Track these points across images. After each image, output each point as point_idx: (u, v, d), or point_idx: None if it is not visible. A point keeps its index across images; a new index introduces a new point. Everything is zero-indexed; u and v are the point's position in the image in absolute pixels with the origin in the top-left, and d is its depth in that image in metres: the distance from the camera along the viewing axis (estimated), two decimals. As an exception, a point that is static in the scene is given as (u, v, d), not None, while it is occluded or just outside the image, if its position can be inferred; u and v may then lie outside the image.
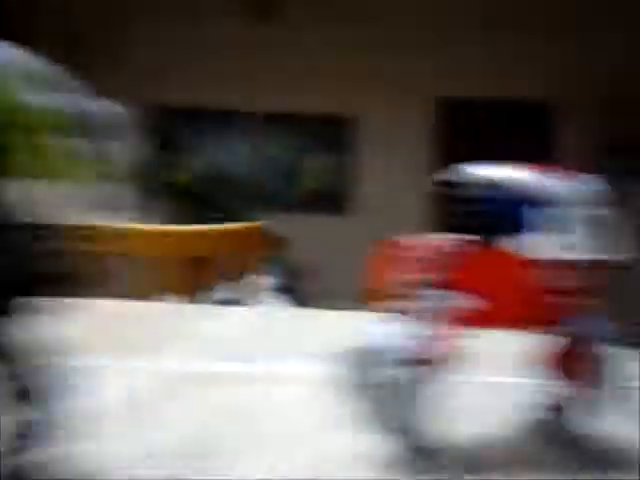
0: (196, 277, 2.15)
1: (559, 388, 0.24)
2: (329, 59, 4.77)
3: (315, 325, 0.72)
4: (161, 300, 1.92)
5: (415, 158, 4.33)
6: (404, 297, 0.25)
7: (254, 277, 2.24)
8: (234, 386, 0.40)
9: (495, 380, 0.43)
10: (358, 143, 4.78)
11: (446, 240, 0.25)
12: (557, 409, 0.24)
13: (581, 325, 0.23)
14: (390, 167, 4.39)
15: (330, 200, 4.72)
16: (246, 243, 1.40)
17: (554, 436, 0.24)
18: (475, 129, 4.74)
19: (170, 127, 4.80)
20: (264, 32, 4.61)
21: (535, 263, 0.19)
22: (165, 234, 1.35)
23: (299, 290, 2.62)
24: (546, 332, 0.24)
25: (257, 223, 1.42)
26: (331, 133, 4.74)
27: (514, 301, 0.22)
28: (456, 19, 4.62)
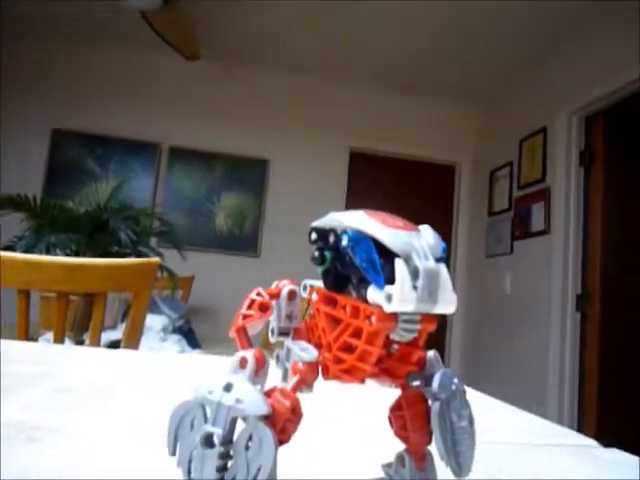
0: (84, 315, 1.99)
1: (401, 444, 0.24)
2: (251, 103, 4.85)
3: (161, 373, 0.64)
4: (33, 340, 1.73)
5: (329, 205, 4.45)
6: (247, 344, 0.23)
7: (148, 317, 2.09)
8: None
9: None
10: (274, 186, 4.83)
11: (288, 286, 0.24)
12: (400, 464, 0.23)
13: (415, 378, 0.24)
14: (304, 212, 4.47)
15: (244, 240, 4.67)
16: (144, 280, 1.31)
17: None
18: (385, 183, 5.00)
19: (75, 153, 4.54)
20: (189, 70, 4.61)
21: (377, 314, 0.19)
22: (51, 266, 1.23)
23: (192, 332, 2.51)
24: (392, 385, 0.24)
25: (158, 260, 1.34)
26: (247, 174, 4.76)
27: (359, 352, 0.21)
28: (378, 78, 4.92)
